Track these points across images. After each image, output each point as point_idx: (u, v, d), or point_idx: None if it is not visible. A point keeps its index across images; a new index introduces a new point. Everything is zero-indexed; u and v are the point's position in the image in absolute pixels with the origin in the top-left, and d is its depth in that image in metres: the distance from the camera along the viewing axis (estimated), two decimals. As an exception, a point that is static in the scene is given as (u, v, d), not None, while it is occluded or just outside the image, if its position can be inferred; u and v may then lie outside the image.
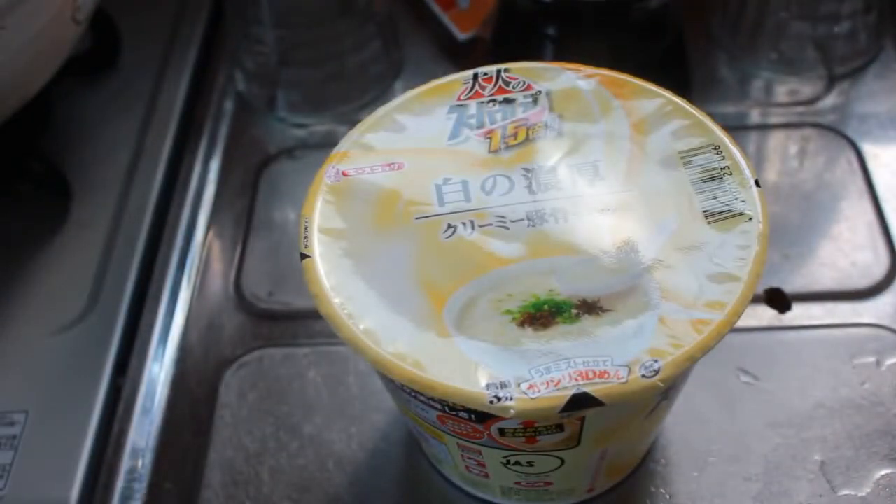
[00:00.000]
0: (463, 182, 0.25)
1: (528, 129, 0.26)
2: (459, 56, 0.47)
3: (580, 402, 0.20)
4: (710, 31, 0.47)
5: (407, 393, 0.23)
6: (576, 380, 0.21)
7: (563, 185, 0.25)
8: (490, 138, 0.26)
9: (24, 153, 0.43)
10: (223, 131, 0.46)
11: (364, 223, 0.25)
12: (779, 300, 0.36)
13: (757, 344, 0.35)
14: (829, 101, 0.44)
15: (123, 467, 0.34)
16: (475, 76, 0.28)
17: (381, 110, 0.28)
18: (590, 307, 0.22)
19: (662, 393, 0.24)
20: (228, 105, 0.47)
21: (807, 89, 0.45)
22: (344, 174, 0.26)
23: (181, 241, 0.41)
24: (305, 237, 0.24)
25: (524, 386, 0.21)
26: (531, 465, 0.26)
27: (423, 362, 0.21)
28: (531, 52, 0.43)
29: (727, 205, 0.24)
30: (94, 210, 0.42)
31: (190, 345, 0.38)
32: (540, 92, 0.27)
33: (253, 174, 0.44)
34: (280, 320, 0.38)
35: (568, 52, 0.41)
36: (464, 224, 0.24)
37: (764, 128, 0.43)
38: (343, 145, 0.27)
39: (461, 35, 0.47)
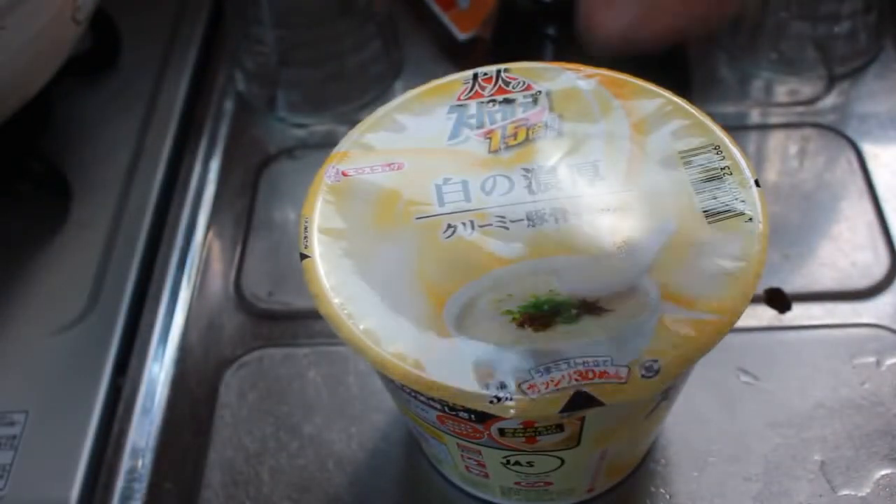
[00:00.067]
0: (463, 182, 0.25)
1: (528, 130, 0.26)
2: (459, 56, 0.47)
3: (580, 402, 0.20)
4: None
5: (407, 393, 0.23)
6: (576, 380, 0.21)
7: (563, 186, 0.25)
8: (490, 138, 0.26)
9: (24, 153, 0.43)
10: (223, 131, 0.46)
11: (364, 223, 0.25)
12: (779, 300, 0.36)
13: (757, 344, 0.35)
14: (829, 101, 0.44)
15: (123, 467, 0.34)
16: (475, 76, 0.28)
17: (381, 110, 0.28)
18: (590, 307, 0.22)
19: (662, 393, 0.24)
20: (228, 105, 0.48)
21: (807, 89, 0.45)
22: (344, 174, 0.26)
23: (181, 241, 0.41)
24: (305, 237, 0.24)
25: (524, 386, 0.21)
26: (531, 465, 0.26)
27: (423, 362, 0.21)
28: (531, 52, 0.43)
29: (727, 205, 0.24)
30: (94, 210, 0.42)
31: (190, 345, 0.38)
32: (540, 92, 0.27)
33: (253, 174, 0.44)
34: (280, 320, 0.38)
35: (568, 52, 0.41)
36: (464, 224, 0.24)
37: (764, 128, 0.43)
38: (343, 145, 0.27)
39: (461, 35, 0.47)
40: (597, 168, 0.25)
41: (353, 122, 0.28)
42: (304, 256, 0.24)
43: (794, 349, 0.35)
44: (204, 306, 0.39)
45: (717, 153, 0.25)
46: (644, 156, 0.25)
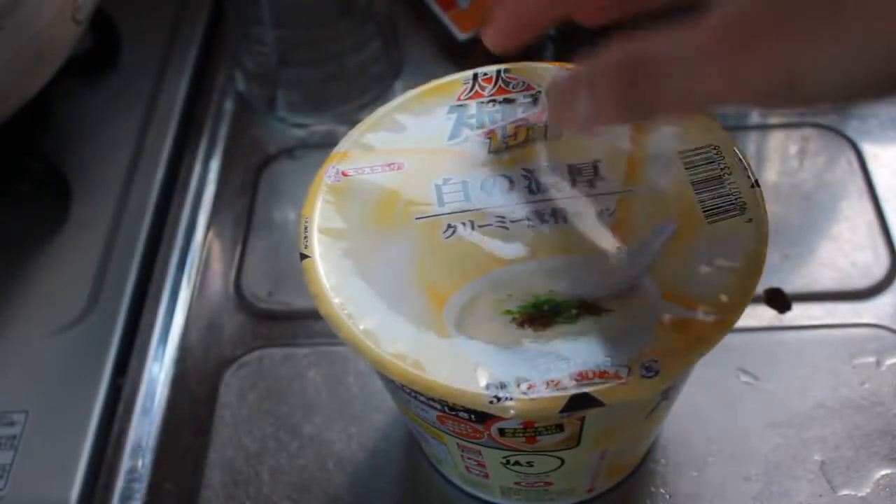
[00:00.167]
0: (463, 182, 0.25)
1: (528, 130, 0.26)
2: (459, 56, 0.47)
3: (580, 402, 0.20)
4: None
5: (407, 393, 0.23)
6: (576, 380, 0.21)
7: (563, 186, 0.25)
8: (490, 138, 0.26)
9: (24, 153, 0.43)
10: (223, 131, 0.46)
11: (364, 223, 0.25)
12: (779, 300, 0.36)
13: (757, 344, 0.35)
14: (829, 101, 0.44)
15: (123, 467, 0.34)
16: (475, 76, 0.28)
17: (381, 110, 0.28)
18: (590, 307, 0.22)
19: (662, 393, 0.24)
20: (228, 105, 0.48)
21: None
22: (344, 174, 0.26)
23: (181, 241, 0.41)
24: (305, 237, 0.24)
25: (524, 386, 0.21)
26: (531, 466, 0.26)
27: (423, 362, 0.21)
28: (531, 52, 0.43)
29: (727, 205, 0.24)
30: (94, 210, 0.42)
31: (190, 345, 0.38)
32: (540, 92, 0.27)
33: (253, 174, 0.44)
34: (280, 320, 0.38)
35: (568, 52, 0.41)
36: (464, 224, 0.24)
37: (764, 128, 0.43)
38: (343, 145, 0.27)
39: (461, 35, 0.47)
40: (597, 168, 0.25)
41: (353, 122, 0.28)
42: (304, 256, 0.24)
43: (794, 349, 0.35)
44: (204, 306, 0.39)
45: (717, 153, 0.25)
46: (644, 156, 0.25)
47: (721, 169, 0.25)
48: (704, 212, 0.24)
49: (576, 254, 0.23)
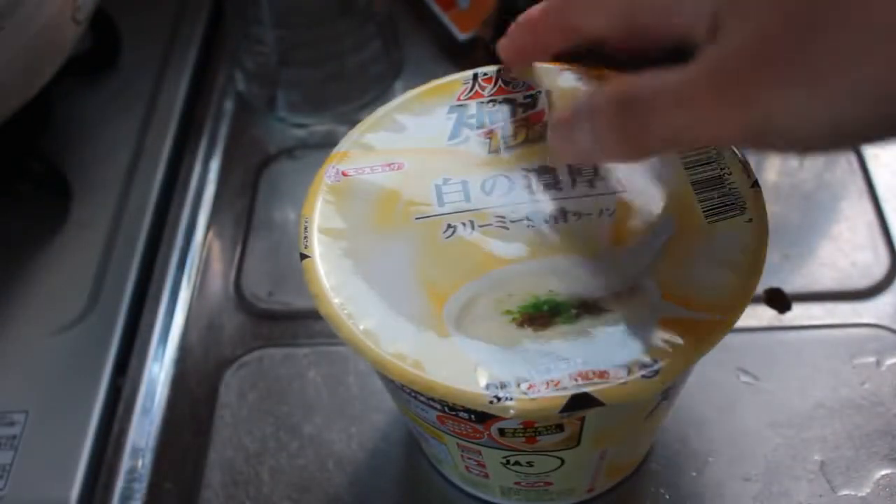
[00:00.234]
0: (463, 182, 0.25)
1: (528, 130, 0.26)
2: (459, 56, 0.47)
3: (580, 402, 0.20)
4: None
5: (407, 393, 0.23)
6: (576, 380, 0.21)
7: (563, 186, 0.25)
8: (490, 138, 0.26)
9: (24, 153, 0.43)
10: (223, 131, 0.46)
11: (364, 223, 0.25)
12: (779, 300, 0.36)
13: (757, 344, 0.35)
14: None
15: (123, 467, 0.34)
16: (475, 76, 0.28)
17: (381, 110, 0.28)
18: (589, 307, 0.22)
19: (662, 393, 0.24)
20: (228, 105, 0.48)
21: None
22: (344, 174, 0.26)
23: (181, 241, 0.41)
24: (305, 237, 0.24)
25: (524, 386, 0.21)
26: (531, 466, 0.26)
27: (423, 362, 0.21)
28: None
29: (727, 205, 0.24)
30: (94, 210, 0.42)
31: (190, 345, 0.38)
32: (540, 92, 0.27)
33: (253, 174, 0.44)
34: (280, 320, 0.38)
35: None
36: (464, 224, 0.24)
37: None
38: (343, 145, 0.27)
39: (461, 35, 0.47)
40: (597, 168, 0.25)
41: (353, 122, 0.28)
42: (304, 256, 0.24)
43: (794, 349, 0.35)
44: (204, 306, 0.39)
45: (717, 153, 0.25)
46: None
47: (721, 169, 0.25)
48: (704, 212, 0.24)
49: (576, 254, 0.23)
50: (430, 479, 0.33)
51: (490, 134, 0.26)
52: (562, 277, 0.23)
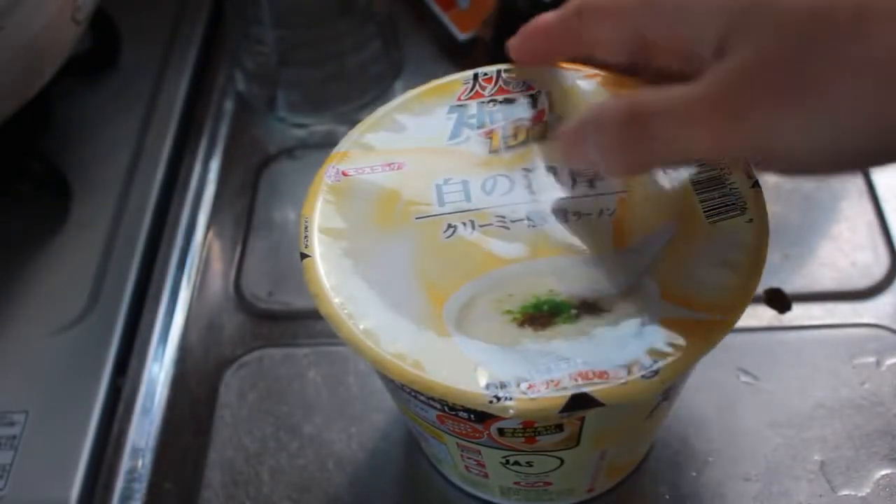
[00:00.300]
0: (463, 182, 0.25)
1: (528, 130, 0.26)
2: (459, 56, 0.47)
3: (580, 402, 0.20)
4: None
5: (407, 393, 0.23)
6: (575, 380, 0.21)
7: (564, 186, 0.25)
8: (490, 138, 0.26)
9: (24, 153, 0.43)
10: (223, 131, 0.46)
11: (364, 223, 0.25)
12: (779, 300, 0.36)
13: (757, 344, 0.35)
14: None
15: (123, 467, 0.34)
16: (475, 76, 0.28)
17: (381, 110, 0.28)
18: (589, 307, 0.22)
19: (662, 393, 0.24)
20: (228, 105, 0.48)
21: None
22: (344, 174, 0.26)
23: (181, 241, 0.41)
24: (305, 237, 0.24)
25: (524, 386, 0.21)
26: (531, 465, 0.26)
27: (423, 362, 0.21)
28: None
29: (728, 205, 0.24)
30: (94, 210, 0.42)
31: (190, 345, 0.38)
32: (540, 92, 0.27)
33: (253, 174, 0.44)
34: (280, 320, 0.38)
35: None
36: (464, 224, 0.24)
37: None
38: (343, 145, 0.27)
39: (461, 35, 0.47)
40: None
41: (353, 122, 0.28)
42: (304, 256, 0.24)
43: (794, 349, 0.35)
44: (204, 306, 0.39)
45: None
46: None
47: (721, 169, 0.25)
48: (705, 212, 0.24)
49: (576, 254, 0.23)
50: (431, 479, 0.33)
51: (490, 134, 0.26)
52: (562, 277, 0.23)
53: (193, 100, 0.48)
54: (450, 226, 0.24)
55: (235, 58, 0.47)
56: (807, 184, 0.40)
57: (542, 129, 0.26)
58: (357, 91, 0.46)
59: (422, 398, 0.23)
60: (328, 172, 0.26)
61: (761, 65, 0.18)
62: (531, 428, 0.23)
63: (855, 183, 0.40)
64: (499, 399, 0.21)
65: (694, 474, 0.32)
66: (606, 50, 0.25)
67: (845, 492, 0.31)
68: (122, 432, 0.35)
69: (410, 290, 0.23)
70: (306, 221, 0.25)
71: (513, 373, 0.21)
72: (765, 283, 0.36)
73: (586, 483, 0.29)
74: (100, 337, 0.37)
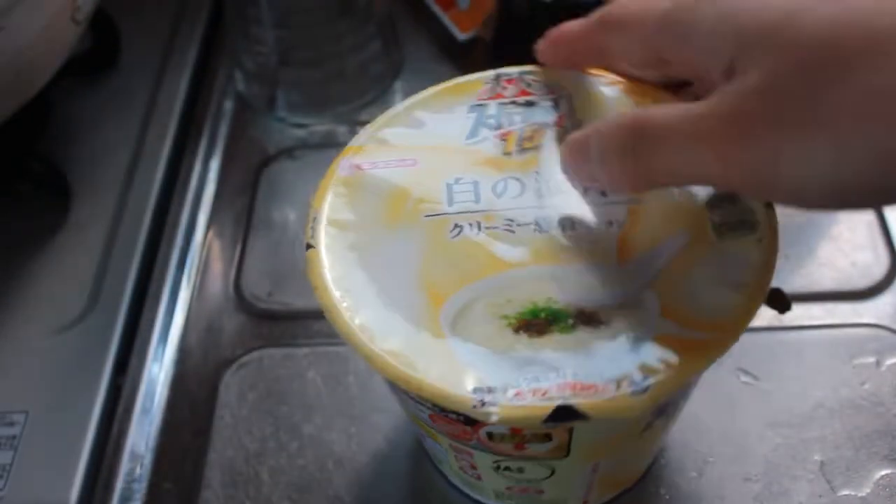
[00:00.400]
0: (474, 182, 0.25)
1: (544, 133, 0.26)
2: (459, 56, 0.47)
3: (564, 414, 0.20)
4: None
5: (401, 390, 0.23)
6: (563, 391, 0.20)
7: (575, 193, 0.24)
8: (506, 140, 0.26)
9: (24, 153, 0.43)
10: (223, 131, 0.46)
11: (373, 217, 0.24)
12: (779, 300, 0.36)
13: (757, 344, 0.35)
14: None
15: (123, 468, 0.34)
16: (497, 76, 0.28)
17: (401, 105, 0.27)
18: (587, 318, 0.22)
19: (655, 411, 0.24)
20: (228, 105, 0.48)
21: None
22: (357, 167, 0.26)
23: (181, 241, 0.41)
24: (313, 227, 0.24)
25: (511, 392, 0.20)
26: (521, 472, 0.26)
27: (415, 361, 0.21)
28: (531, 53, 0.43)
29: (738, 223, 0.23)
30: (94, 210, 0.42)
31: (190, 345, 0.38)
32: (562, 97, 0.27)
33: (253, 174, 0.44)
34: (280, 320, 0.38)
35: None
36: (470, 225, 0.24)
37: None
38: (359, 139, 0.26)
39: (461, 35, 0.47)
40: None
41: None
42: (309, 246, 0.24)
43: (794, 349, 0.35)
44: (204, 306, 0.39)
45: None
46: None
47: None
48: (714, 228, 0.23)
49: (579, 263, 0.23)
50: (431, 480, 0.33)
51: (507, 135, 0.26)
52: (562, 285, 0.22)
53: (193, 100, 0.48)
54: (456, 226, 0.24)
55: (235, 58, 0.47)
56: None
57: (560, 133, 0.26)
58: (357, 91, 0.46)
59: (414, 396, 0.23)
60: (342, 165, 0.26)
61: (768, 89, 0.18)
62: (519, 435, 0.23)
63: (855, 183, 0.40)
64: (483, 403, 0.20)
65: (694, 474, 0.32)
66: (627, 62, 0.25)
67: (845, 492, 0.31)
68: (122, 432, 0.35)
69: (411, 288, 0.23)
70: (315, 213, 0.25)
71: (502, 378, 0.21)
72: (765, 284, 0.36)
73: (580, 494, 0.29)
74: (100, 337, 0.37)
